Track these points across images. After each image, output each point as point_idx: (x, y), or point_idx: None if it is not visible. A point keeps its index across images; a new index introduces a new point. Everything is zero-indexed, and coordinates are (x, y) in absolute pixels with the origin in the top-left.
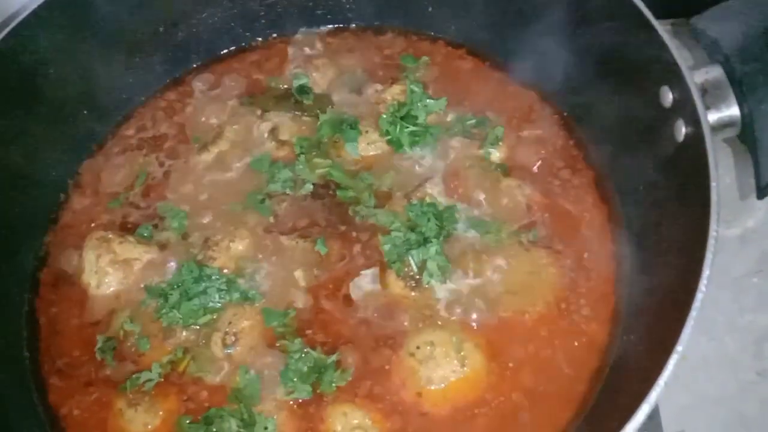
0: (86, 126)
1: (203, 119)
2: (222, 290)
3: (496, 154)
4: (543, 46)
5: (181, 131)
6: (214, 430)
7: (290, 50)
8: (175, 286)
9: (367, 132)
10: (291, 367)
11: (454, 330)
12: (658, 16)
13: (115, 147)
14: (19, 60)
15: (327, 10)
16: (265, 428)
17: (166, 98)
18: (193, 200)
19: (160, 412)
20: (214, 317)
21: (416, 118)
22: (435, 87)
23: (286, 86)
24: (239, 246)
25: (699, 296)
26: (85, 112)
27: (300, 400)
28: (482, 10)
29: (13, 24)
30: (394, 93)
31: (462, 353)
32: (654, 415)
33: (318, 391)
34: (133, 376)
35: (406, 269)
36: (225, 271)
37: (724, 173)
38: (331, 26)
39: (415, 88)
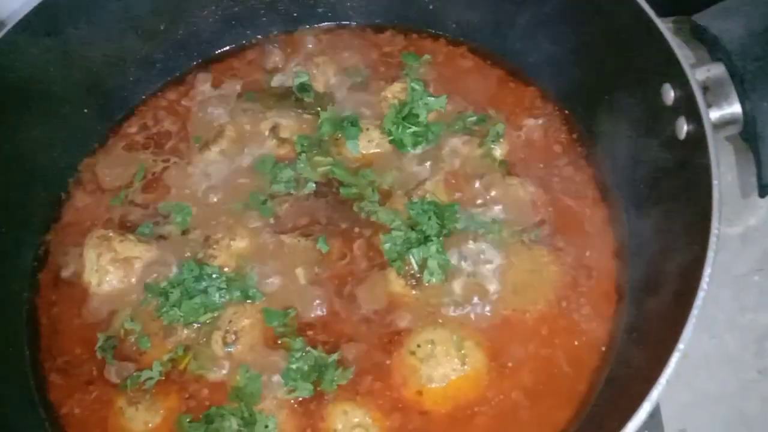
0: (86, 124)
1: (204, 118)
2: (222, 289)
3: (498, 151)
4: (544, 43)
5: (181, 130)
6: (215, 428)
7: (291, 48)
8: (176, 285)
9: (367, 130)
10: (292, 366)
11: (455, 328)
12: (659, 14)
13: (115, 145)
14: (19, 58)
15: (328, 8)
16: (266, 427)
17: (166, 97)
18: (194, 199)
19: (161, 411)
20: (215, 315)
21: (417, 116)
22: (436, 85)
23: (286, 84)
24: (240, 244)
25: (701, 294)
26: (85, 110)
27: (300, 399)
28: (483, 7)
29: (12, 23)
30: (395, 91)
31: (463, 351)
32: (655, 414)
33: (319, 389)
34: (134, 374)
35: (406, 268)
36: (226, 269)
37: (726, 171)
38: (331, 24)
39: (416, 86)
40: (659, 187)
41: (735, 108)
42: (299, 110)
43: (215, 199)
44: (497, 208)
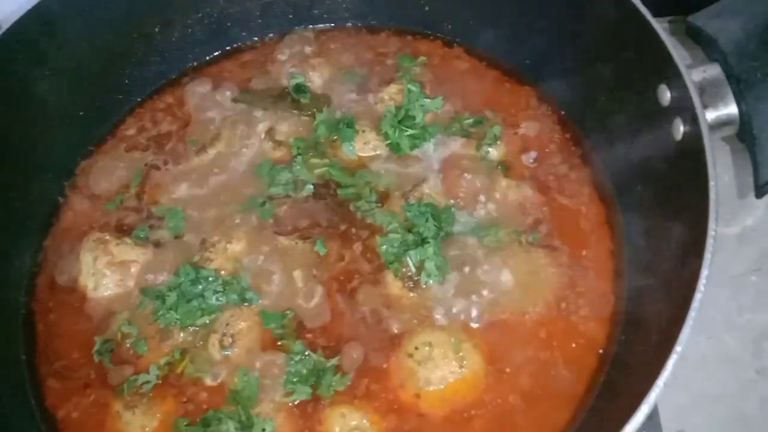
0: (82, 127)
1: (200, 120)
2: (219, 292)
3: (494, 153)
4: (540, 44)
5: (178, 132)
6: None
7: (287, 50)
8: (172, 288)
9: (363, 131)
10: (291, 369)
11: (453, 331)
12: (655, 14)
13: (111, 148)
14: (14, 61)
15: (323, 10)
16: (263, 430)
17: (162, 99)
18: (190, 202)
19: (158, 415)
20: (212, 319)
21: (414, 118)
22: (432, 86)
23: (282, 86)
24: (236, 247)
25: (698, 296)
26: (81, 113)
27: (297, 402)
28: (478, 8)
29: (7, 25)
30: (391, 92)
31: (460, 354)
32: (653, 415)
33: (316, 393)
34: (131, 378)
35: (404, 270)
36: (222, 272)
37: (723, 172)
38: (327, 25)
39: (413, 88)
40: (656, 188)
41: (731, 109)
42: (295, 112)
43: (211, 202)
44: (494, 210)
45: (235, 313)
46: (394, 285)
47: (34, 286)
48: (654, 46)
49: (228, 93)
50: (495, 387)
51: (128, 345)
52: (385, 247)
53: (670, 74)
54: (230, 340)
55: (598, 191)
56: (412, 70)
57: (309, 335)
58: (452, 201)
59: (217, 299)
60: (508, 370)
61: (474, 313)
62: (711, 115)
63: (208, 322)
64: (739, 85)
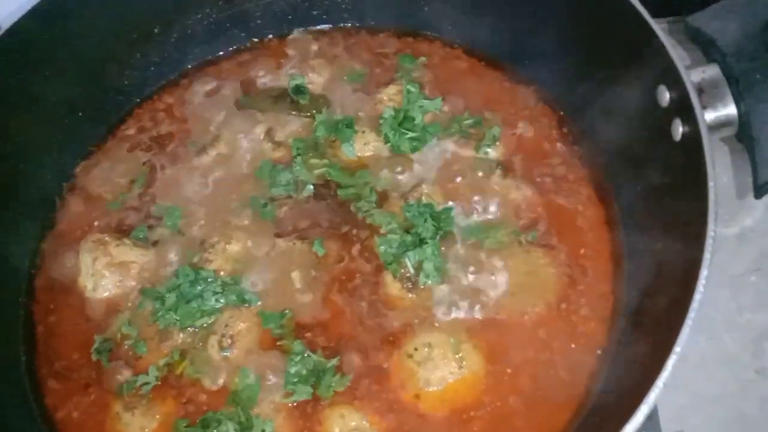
0: (82, 128)
1: (200, 121)
2: (218, 293)
3: (493, 154)
4: (539, 44)
5: (177, 133)
6: None
7: (286, 51)
8: (172, 289)
9: (363, 132)
10: (291, 369)
11: (452, 331)
12: (654, 15)
13: (111, 149)
14: (14, 61)
15: (323, 11)
16: (263, 431)
17: (162, 100)
18: (190, 202)
19: (157, 416)
20: (211, 320)
21: (413, 119)
22: (431, 87)
23: (282, 87)
24: (235, 248)
25: (697, 297)
26: (80, 113)
27: (297, 403)
28: (478, 9)
29: (7, 25)
30: (391, 93)
31: (460, 355)
32: (653, 415)
33: (315, 394)
34: (130, 379)
35: (402, 270)
36: (221, 273)
37: (722, 172)
38: (326, 26)
39: (412, 89)
40: (655, 189)
41: (730, 109)
42: (294, 113)
43: (211, 203)
44: (493, 210)
45: (234, 314)
46: (393, 286)
47: (34, 287)
48: (653, 47)
49: (227, 94)
50: (495, 387)
51: (127, 346)
52: (383, 247)
53: (669, 75)
54: (229, 341)
55: (597, 191)
56: (412, 71)
57: (308, 334)
58: (451, 202)
59: (217, 300)
60: (507, 370)
61: (473, 313)
62: (710, 116)
63: (207, 323)
64: (738, 86)
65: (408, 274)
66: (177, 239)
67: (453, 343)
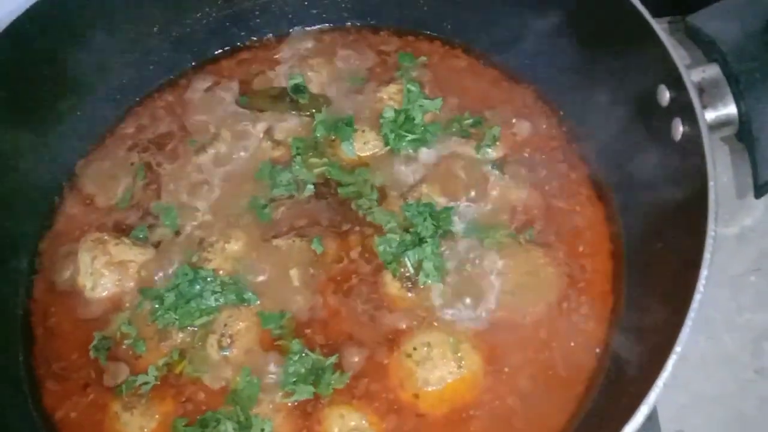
0: (80, 127)
1: (199, 120)
2: (217, 292)
3: (493, 154)
4: (539, 44)
5: (177, 132)
6: None
7: (285, 50)
8: (171, 289)
9: (363, 131)
10: (290, 369)
11: (451, 331)
12: (654, 14)
13: (110, 148)
14: (11, 61)
15: (322, 10)
16: (262, 430)
17: (161, 98)
18: (190, 201)
19: (156, 416)
20: (210, 319)
21: (414, 119)
22: (431, 86)
23: (281, 86)
24: (234, 247)
25: (697, 297)
26: (79, 113)
27: (296, 402)
28: (477, 8)
29: (4, 25)
30: (391, 92)
31: (459, 354)
32: (652, 415)
33: (315, 392)
34: (129, 378)
35: (401, 270)
36: (220, 272)
37: (722, 172)
38: (326, 25)
39: (412, 88)
40: (655, 188)
41: (730, 109)
42: (294, 112)
43: (210, 202)
44: (493, 210)
45: (234, 313)
46: (392, 285)
47: (32, 286)
48: (653, 47)
49: (226, 93)
50: (494, 387)
51: (127, 345)
52: (383, 247)
53: (670, 75)
54: (229, 340)
55: (597, 191)
56: (412, 70)
57: (308, 331)
58: (451, 201)
59: (216, 300)
60: (507, 370)
61: (473, 313)
62: (710, 116)
63: (206, 322)
64: (739, 86)
65: (407, 274)
66: (176, 238)
67: (452, 342)
